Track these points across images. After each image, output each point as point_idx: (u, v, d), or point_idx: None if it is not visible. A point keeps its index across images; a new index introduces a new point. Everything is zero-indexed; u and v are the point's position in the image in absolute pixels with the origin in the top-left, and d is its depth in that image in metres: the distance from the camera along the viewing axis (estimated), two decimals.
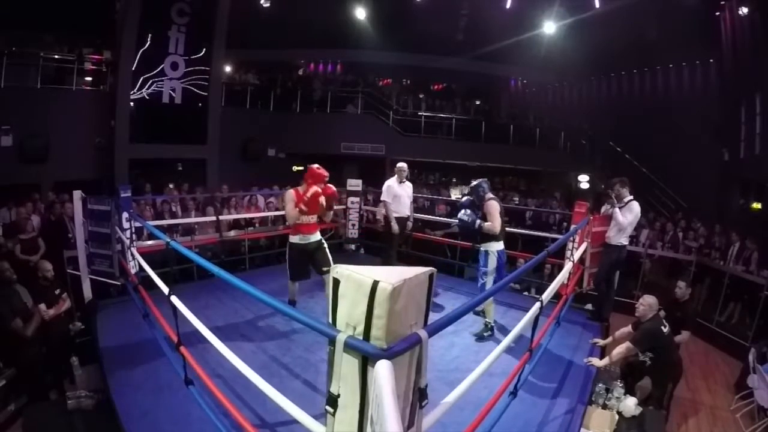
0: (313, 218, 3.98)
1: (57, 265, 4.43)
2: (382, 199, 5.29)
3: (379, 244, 6.70)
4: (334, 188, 4.01)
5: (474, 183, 4.09)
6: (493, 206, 3.92)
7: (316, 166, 3.93)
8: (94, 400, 3.15)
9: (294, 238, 3.99)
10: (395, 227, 5.20)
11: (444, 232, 7.22)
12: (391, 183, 5.20)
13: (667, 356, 3.76)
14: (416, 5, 12.23)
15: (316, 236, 4.05)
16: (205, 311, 4.09)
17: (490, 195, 4.04)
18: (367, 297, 1.35)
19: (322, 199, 3.86)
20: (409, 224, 5.42)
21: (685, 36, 10.25)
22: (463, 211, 4.02)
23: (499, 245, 4.00)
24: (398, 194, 5.19)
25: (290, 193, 3.89)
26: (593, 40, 11.08)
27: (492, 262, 3.98)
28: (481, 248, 4.02)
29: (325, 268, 3.89)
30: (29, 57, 8.42)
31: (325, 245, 4.08)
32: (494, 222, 3.88)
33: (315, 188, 3.81)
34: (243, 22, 10.60)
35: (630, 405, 3.38)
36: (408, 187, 5.33)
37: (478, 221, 3.92)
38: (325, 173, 3.91)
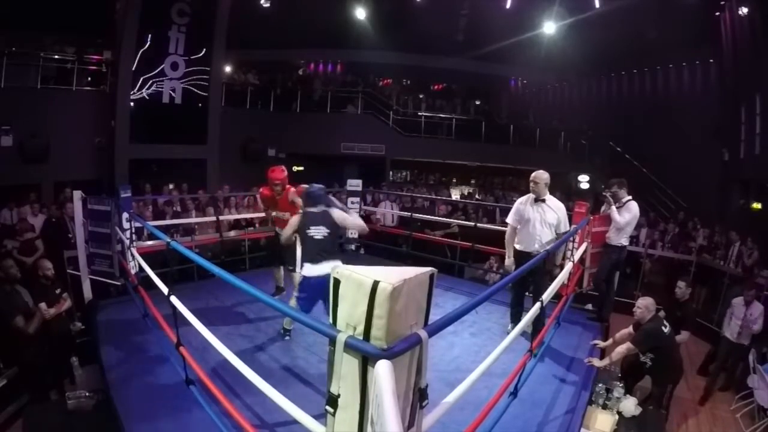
0: None
1: (57, 265, 4.43)
2: (507, 220, 3.90)
3: (383, 245, 6.59)
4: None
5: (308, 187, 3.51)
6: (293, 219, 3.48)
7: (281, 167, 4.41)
8: (94, 400, 3.14)
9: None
10: (509, 263, 3.79)
11: (444, 232, 7.22)
12: (522, 200, 3.76)
13: (668, 357, 3.76)
14: (416, 5, 12.22)
15: None
16: (205, 311, 4.10)
17: (323, 207, 3.42)
18: (368, 297, 1.35)
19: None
20: (557, 268, 3.80)
21: (685, 36, 10.24)
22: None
23: (307, 271, 3.28)
24: (529, 217, 3.66)
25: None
26: (593, 40, 11.07)
27: (296, 285, 3.47)
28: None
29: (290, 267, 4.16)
30: (29, 57, 8.42)
31: None
32: (285, 230, 3.50)
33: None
34: (243, 22, 10.60)
35: (630, 405, 3.38)
36: (549, 208, 3.63)
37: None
38: None
